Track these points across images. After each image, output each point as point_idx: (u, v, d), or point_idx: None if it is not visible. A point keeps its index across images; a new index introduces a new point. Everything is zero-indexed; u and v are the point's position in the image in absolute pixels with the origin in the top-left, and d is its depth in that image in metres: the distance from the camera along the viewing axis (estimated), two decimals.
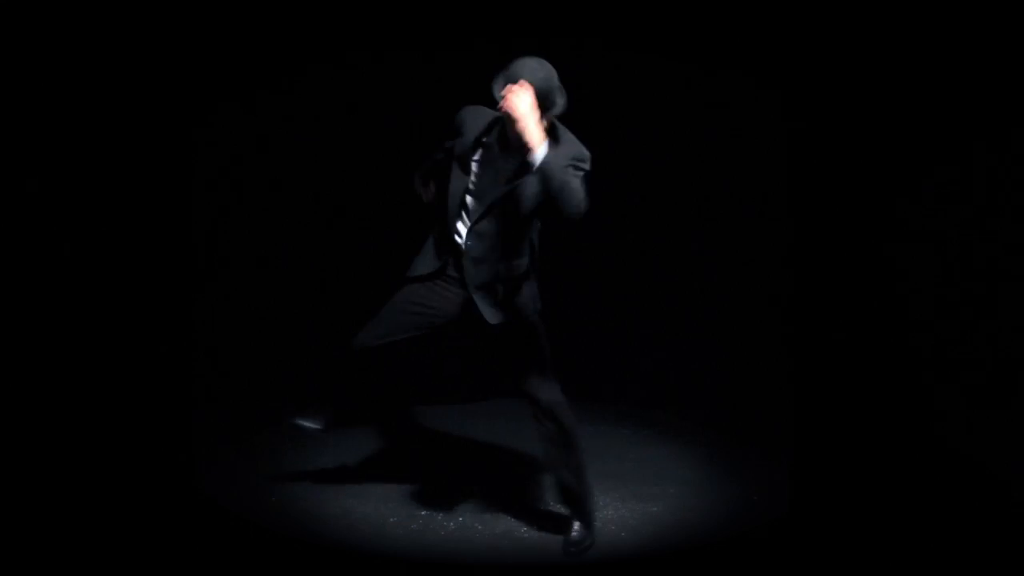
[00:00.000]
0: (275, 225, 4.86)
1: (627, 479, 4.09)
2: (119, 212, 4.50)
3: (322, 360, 3.76)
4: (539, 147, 3.19)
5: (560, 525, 3.67)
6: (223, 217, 4.75)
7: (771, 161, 4.80)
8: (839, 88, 4.58)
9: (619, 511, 3.85)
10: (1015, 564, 3.39)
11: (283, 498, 3.81)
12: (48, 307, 4.29)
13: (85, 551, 3.29)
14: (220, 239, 4.75)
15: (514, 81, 3.25)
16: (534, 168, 3.20)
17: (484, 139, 3.41)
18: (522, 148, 3.21)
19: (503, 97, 3.24)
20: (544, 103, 3.24)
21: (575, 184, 3.23)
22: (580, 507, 3.62)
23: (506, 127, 3.31)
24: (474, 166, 3.42)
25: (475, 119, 3.44)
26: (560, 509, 3.76)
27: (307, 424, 3.67)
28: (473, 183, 3.43)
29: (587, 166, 3.33)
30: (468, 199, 3.44)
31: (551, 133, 3.29)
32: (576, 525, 3.62)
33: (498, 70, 3.29)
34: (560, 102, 3.29)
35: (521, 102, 3.20)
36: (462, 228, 3.45)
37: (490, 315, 3.45)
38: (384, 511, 3.77)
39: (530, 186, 3.32)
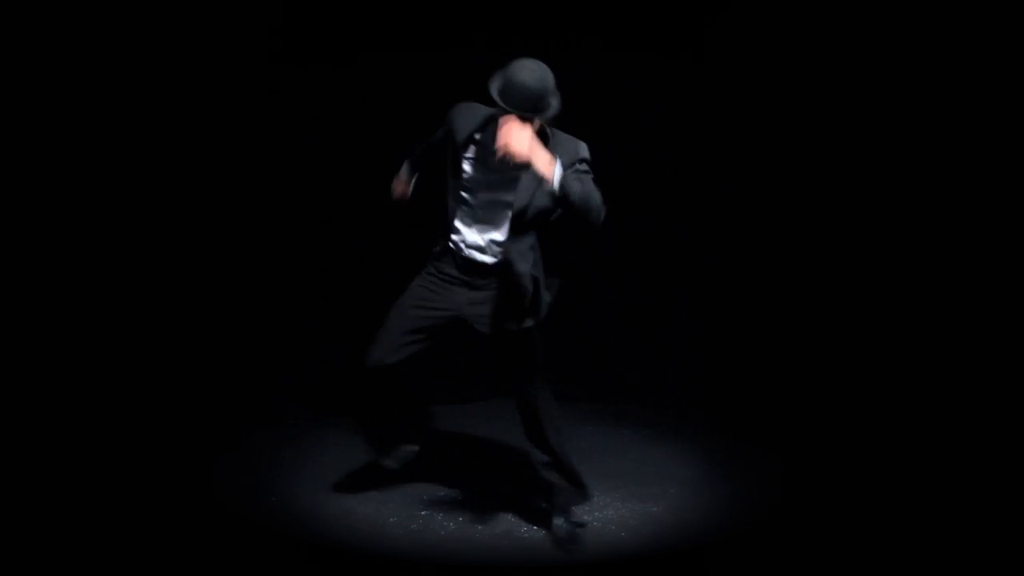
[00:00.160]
0: (275, 225, 4.87)
1: (627, 479, 4.08)
2: (119, 212, 4.51)
3: (349, 388, 3.76)
4: (552, 172, 3.15)
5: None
6: (223, 217, 4.75)
7: (771, 161, 4.80)
8: (839, 88, 4.59)
9: (619, 511, 3.84)
10: (1015, 564, 3.39)
11: (283, 498, 3.81)
12: (48, 307, 4.30)
13: (85, 551, 3.29)
14: (220, 239, 4.76)
15: (506, 112, 3.17)
16: (556, 193, 3.16)
17: (477, 136, 3.39)
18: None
19: (500, 137, 3.16)
20: (538, 105, 3.20)
21: (590, 187, 3.22)
22: (565, 473, 3.62)
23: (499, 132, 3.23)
24: (467, 164, 3.41)
25: (467, 116, 3.41)
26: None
27: (389, 464, 3.77)
28: (466, 181, 3.42)
29: (588, 157, 3.32)
30: (464, 195, 3.43)
31: (542, 136, 3.26)
32: (559, 520, 3.61)
33: (496, 70, 3.26)
34: (554, 104, 3.25)
35: (520, 143, 3.14)
36: (459, 226, 3.45)
37: (483, 325, 3.45)
38: (384, 511, 3.76)
39: (541, 197, 3.30)
